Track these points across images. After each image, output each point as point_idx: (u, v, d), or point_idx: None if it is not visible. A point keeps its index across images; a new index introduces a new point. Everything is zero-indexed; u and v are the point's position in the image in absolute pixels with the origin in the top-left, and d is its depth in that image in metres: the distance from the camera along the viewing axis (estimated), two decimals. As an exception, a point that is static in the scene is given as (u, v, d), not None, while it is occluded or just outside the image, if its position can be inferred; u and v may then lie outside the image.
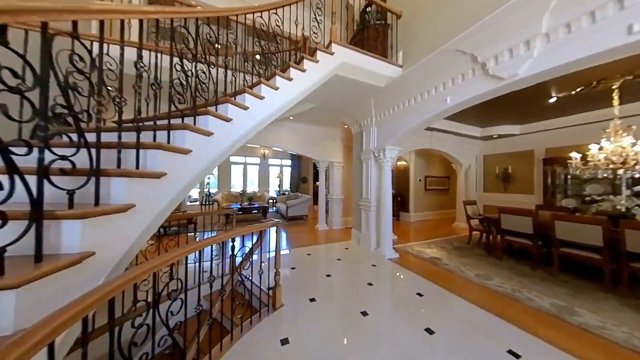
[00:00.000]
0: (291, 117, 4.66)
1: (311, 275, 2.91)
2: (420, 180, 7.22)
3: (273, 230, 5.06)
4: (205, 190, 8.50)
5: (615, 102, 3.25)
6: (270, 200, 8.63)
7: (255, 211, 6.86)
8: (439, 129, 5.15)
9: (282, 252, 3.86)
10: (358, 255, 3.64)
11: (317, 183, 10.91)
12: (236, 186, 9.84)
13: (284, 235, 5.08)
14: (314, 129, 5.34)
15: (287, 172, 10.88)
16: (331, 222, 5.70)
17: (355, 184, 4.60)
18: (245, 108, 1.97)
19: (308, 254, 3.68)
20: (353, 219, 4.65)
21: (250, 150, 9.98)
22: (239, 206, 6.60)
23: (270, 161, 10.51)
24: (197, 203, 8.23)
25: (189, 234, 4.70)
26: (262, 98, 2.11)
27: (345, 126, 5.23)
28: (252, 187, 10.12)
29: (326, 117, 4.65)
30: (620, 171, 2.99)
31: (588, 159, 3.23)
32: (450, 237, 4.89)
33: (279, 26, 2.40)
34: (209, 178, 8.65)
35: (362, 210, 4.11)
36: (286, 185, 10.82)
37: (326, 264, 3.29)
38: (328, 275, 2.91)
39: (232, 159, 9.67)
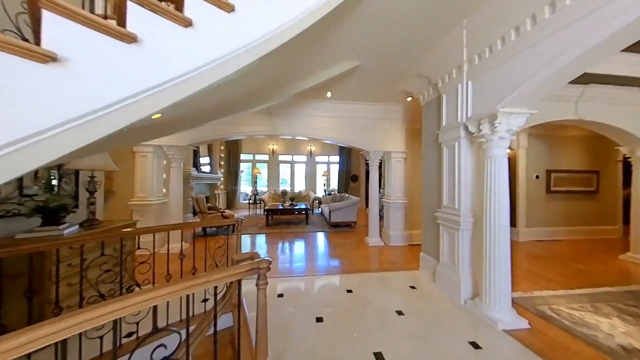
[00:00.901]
0: (329, 94, 3.48)
1: (346, 348, 1.63)
2: (537, 177, 4.57)
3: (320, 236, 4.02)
4: (252, 189, 8.50)
5: None
6: (316, 201, 7.75)
7: (297, 212, 6.09)
8: (599, 81, 2.74)
9: (311, 276, 2.74)
10: (436, 309, 2.07)
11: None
12: (284, 185, 9.53)
13: (320, 246, 3.97)
14: (361, 109, 3.96)
15: (334, 169, 9.78)
16: (387, 236, 4.16)
17: (426, 183, 2.96)
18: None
19: (348, 291, 2.40)
20: (423, 237, 3.02)
21: (297, 147, 9.46)
22: (282, 207, 5.97)
23: (318, 158, 9.68)
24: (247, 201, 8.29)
25: (229, 235, 4.38)
26: None
27: (409, 98, 3.59)
28: (300, 187, 9.58)
29: (378, 85, 3.20)
30: None
31: None
32: (628, 287, 2.47)
33: None
34: (256, 177, 8.60)
35: (443, 227, 2.46)
36: (334, 185, 9.73)
37: (377, 322, 1.92)
38: (377, 355, 1.55)
39: (280, 157, 9.39)
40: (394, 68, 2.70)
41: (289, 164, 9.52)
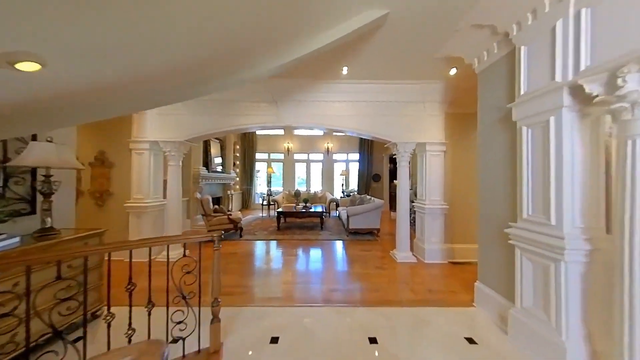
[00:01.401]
0: (344, 70, 2.75)
1: None
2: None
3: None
4: (266, 189, 8.11)
5: None
6: (333, 203, 7.04)
7: (311, 215, 5.44)
8: None
9: (320, 307, 2.05)
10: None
11: (395, 182, 8.29)
12: (302, 185, 8.99)
13: (334, 260, 3.25)
14: (385, 90, 3.15)
15: (354, 168, 8.95)
16: (420, 250, 3.29)
17: (487, 183, 2.07)
18: None
19: (372, 341, 1.65)
20: (481, 259, 2.13)
21: (313, 144, 8.85)
22: (295, 209, 5.39)
23: (335, 156, 8.95)
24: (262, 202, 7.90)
25: (237, 240, 3.88)
26: None
27: (453, 71, 2.70)
28: (317, 187, 8.95)
29: (411, 53, 2.38)
30: None
31: None
32: None
33: None
34: (269, 177, 8.19)
35: (523, 252, 1.58)
36: (353, 185, 8.90)
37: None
38: None
39: (296, 156, 8.88)
40: (437, 18, 1.88)
41: (305, 163, 8.95)
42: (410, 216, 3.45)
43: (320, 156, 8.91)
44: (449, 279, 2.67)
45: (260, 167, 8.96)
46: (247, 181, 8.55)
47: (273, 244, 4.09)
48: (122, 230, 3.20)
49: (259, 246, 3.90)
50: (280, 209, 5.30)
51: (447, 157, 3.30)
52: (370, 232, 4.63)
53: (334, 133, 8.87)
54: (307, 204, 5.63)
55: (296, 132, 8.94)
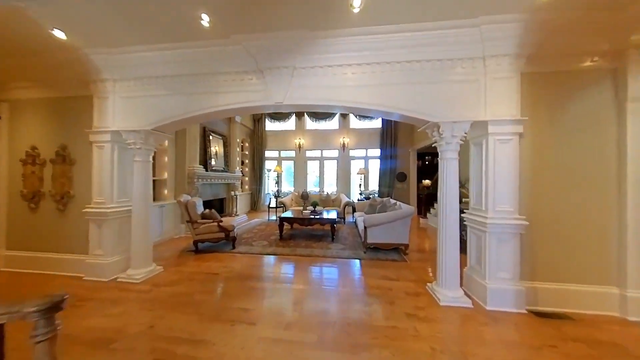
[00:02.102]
0: (355, 2, 1.74)
1: None
2: None
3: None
4: (274, 189, 7.36)
5: None
6: (348, 207, 5.99)
7: (320, 223, 4.48)
8: None
9: None
10: None
11: (425, 182, 6.93)
12: (316, 185, 8.11)
13: (343, 296, 2.21)
14: (422, 42, 2.06)
15: (374, 166, 7.77)
16: (478, 288, 2.13)
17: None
18: None
19: None
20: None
21: (326, 139, 7.90)
22: (301, 215, 4.51)
23: (352, 152, 7.88)
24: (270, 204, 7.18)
25: (228, 251, 3.11)
26: None
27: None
28: (331, 188, 7.98)
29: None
30: None
31: None
32: None
33: None
34: (277, 176, 7.43)
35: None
36: (373, 185, 7.73)
37: None
38: None
39: (308, 153, 8.02)
40: None
41: (318, 161, 8.03)
42: (462, 235, 2.29)
43: (335, 153, 7.92)
44: (542, 355, 1.51)
45: (271, 166, 8.28)
46: (256, 181, 7.92)
47: (268, 260, 3.24)
48: (86, 241, 2.62)
49: (250, 264, 3.07)
50: (283, 215, 4.45)
51: (525, 144, 2.09)
52: (395, 249, 3.52)
53: (351, 126, 7.81)
54: (315, 209, 4.70)
55: (308, 126, 8.08)
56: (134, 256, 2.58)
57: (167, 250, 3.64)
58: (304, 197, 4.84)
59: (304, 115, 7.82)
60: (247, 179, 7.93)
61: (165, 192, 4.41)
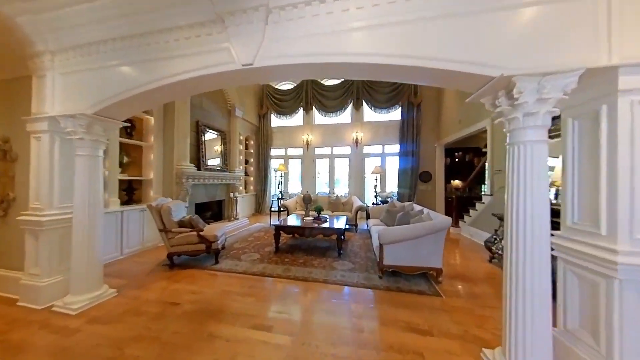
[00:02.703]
0: None
1: None
2: None
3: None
4: (278, 190, 6.69)
5: None
6: (361, 212, 5.09)
7: (327, 231, 3.64)
8: None
9: None
10: None
11: (454, 183, 5.76)
12: (323, 185, 7.32)
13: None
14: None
15: (392, 164, 6.75)
16: (592, 375, 1.16)
17: None
18: None
19: None
20: None
21: (337, 134, 7.05)
22: (302, 223, 3.74)
23: (367, 149, 6.94)
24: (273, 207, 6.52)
25: (209, 267, 2.50)
26: None
27: None
28: (343, 189, 7.14)
29: None
30: None
31: None
32: None
33: None
34: (281, 176, 6.75)
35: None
36: (392, 186, 6.71)
37: None
38: None
39: (316, 150, 7.24)
40: None
41: (327, 159, 7.21)
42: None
43: (346, 149, 7.04)
44: None
45: (277, 165, 7.65)
46: (262, 182, 7.34)
47: (251, 285, 2.50)
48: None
49: (226, 290, 2.36)
50: (281, 221, 3.70)
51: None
52: (423, 274, 2.58)
53: (365, 119, 6.87)
54: (320, 215, 3.90)
55: (317, 120, 7.31)
56: (74, 278, 2.00)
57: (142, 262, 3.09)
58: (307, 200, 4.06)
59: (312, 109, 7.07)
60: (252, 179, 7.39)
61: (152, 193, 3.92)
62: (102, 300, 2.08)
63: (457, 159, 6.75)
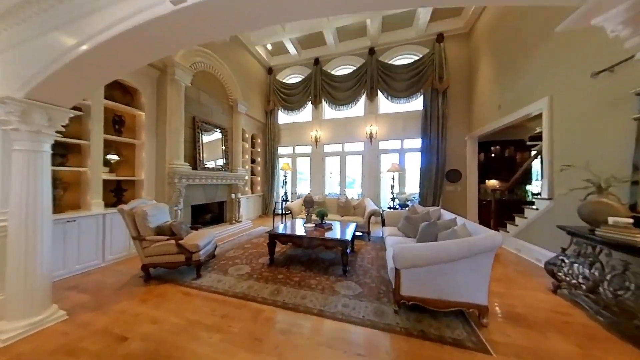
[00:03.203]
0: None
1: None
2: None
3: None
4: (288, 191, 6.19)
5: None
6: (375, 216, 4.36)
7: (328, 242, 2.98)
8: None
9: None
10: None
11: (490, 183, 4.69)
12: (335, 186, 6.70)
13: None
14: None
15: (413, 161, 5.88)
16: None
17: None
18: None
19: None
20: None
21: (349, 129, 6.37)
22: (296, 232, 3.16)
23: (382, 145, 6.16)
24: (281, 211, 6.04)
25: (188, 282, 2.01)
26: None
27: None
28: (355, 191, 6.46)
29: None
30: None
31: None
32: None
33: None
34: (285, 175, 6.24)
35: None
36: (412, 187, 5.85)
37: None
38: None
39: (326, 148, 6.64)
40: None
41: (338, 157, 6.55)
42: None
43: (359, 146, 6.31)
44: None
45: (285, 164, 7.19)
46: (268, 182, 6.93)
47: (229, 311, 1.97)
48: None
49: (195, 319, 1.86)
50: (272, 230, 3.15)
51: None
52: (459, 311, 1.84)
53: (381, 111, 6.10)
54: (323, 221, 3.29)
55: (327, 114, 6.69)
56: (9, 300, 1.64)
57: (122, 272, 2.75)
58: (308, 203, 3.47)
59: (321, 102, 6.47)
60: (259, 179, 7.03)
61: (143, 195, 3.64)
62: (45, 326, 1.71)
63: (493, 155, 5.66)
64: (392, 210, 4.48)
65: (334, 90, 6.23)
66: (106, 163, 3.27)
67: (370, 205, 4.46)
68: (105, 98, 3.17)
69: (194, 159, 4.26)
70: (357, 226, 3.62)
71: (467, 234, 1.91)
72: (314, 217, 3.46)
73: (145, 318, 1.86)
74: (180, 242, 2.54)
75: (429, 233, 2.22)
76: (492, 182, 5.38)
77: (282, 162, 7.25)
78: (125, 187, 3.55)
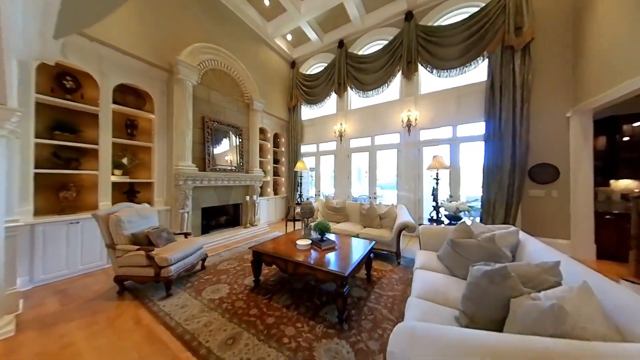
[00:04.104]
0: None
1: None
2: None
3: None
4: (313, 192, 5.53)
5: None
6: (407, 231, 3.16)
7: (320, 275, 2.09)
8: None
9: None
10: None
11: (622, 185, 2.58)
12: (365, 186, 5.71)
13: None
14: None
15: (472, 153, 4.24)
16: None
17: None
18: None
19: None
20: None
21: (381, 118, 5.24)
22: (295, 254, 2.42)
23: (425, 134, 4.75)
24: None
25: (154, 302, 1.77)
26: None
27: None
28: (391, 194, 5.30)
29: None
30: None
31: None
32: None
33: None
34: (300, 176, 5.57)
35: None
36: (470, 190, 4.24)
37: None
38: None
39: (353, 142, 5.70)
40: None
41: (367, 152, 5.46)
42: None
43: (394, 138, 5.06)
44: None
45: (310, 163, 6.61)
46: (291, 184, 6.48)
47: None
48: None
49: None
50: (257, 246, 2.50)
51: None
52: None
53: (422, 91, 4.71)
54: (323, 238, 2.44)
55: (354, 103, 5.71)
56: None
57: (109, 279, 2.66)
58: (305, 212, 2.68)
59: (346, 90, 5.55)
60: (283, 180, 6.68)
61: (155, 198, 3.67)
62: None
63: (627, 137, 3.44)
64: (433, 224, 3.18)
65: (361, 73, 5.21)
66: (120, 166, 3.38)
67: (402, 216, 3.29)
68: (118, 103, 3.27)
69: (203, 160, 4.12)
70: (377, 243, 2.60)
71: (596, 311, 0.75)
72: (312, 233, 2.65)
73: (68, 354, 1.50)
74: (152, 253, 2.21)
75: (488, 293, 1.09)
76: (626, 184, 3.27)
77: (305, 162, 6.70)
78: (139, 189, 3.64)
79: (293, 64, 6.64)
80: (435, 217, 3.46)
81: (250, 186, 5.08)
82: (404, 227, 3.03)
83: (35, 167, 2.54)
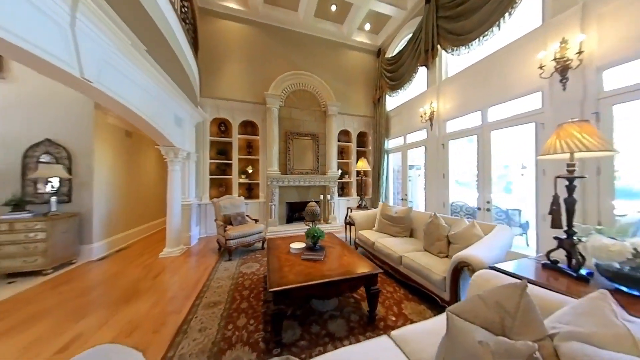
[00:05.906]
0: None
1: None
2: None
3: None
4: (404, 193, 4.69)
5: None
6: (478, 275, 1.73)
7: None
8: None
9: None
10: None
11: None
12: (471, 187, 3.94)
13: None
14: None
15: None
16: None
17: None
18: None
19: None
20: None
21: (495, 80, 3.39)
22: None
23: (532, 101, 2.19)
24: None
25: (222, 262, 3.00)
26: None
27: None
28: (511, 197, 3.16)
29: None
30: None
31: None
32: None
33: None
34: (361, 177, 4.70)
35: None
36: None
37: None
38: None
39: (450, 125, 4.13)
40: None
41: (475, 136, 3.54)
42: None
43: (522, 108, 2.83)
44: None
45: (394, 159, 5.64)
46: (375, 182, 5.95)
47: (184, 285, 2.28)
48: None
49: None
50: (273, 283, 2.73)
51: None
52: None
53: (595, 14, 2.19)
54: (316, 245, 2.19)
55: (450, 70, 4.02)
56: None
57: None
58: (309, 215, 2.44)
59: (437, 51, 4.05)
60: (370, 179, 6.32)
61: (260, 193, 5.34)
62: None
63: None
64: (551, 267, 1.45)
65: (456, 21, 3.55)
66: (244, 172, 5.38)
67: (486, 245, 1.86)
68: (241, 133, 5.24)
69: (285, 165, 5.22)
70: (419, 276, 1.80)
71: None
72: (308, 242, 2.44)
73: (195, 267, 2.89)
74: (226, 229, 3.41)
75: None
76: None
77: (391, 158, 5.76)
78: (253, 187, 5.50)
79: (379, 53, 6.02)
80: (569, 248, 1.51)
81: (326, 186, 5.47)
82: (465, 265, 1.73)
83: (210, 175, 4.89)
